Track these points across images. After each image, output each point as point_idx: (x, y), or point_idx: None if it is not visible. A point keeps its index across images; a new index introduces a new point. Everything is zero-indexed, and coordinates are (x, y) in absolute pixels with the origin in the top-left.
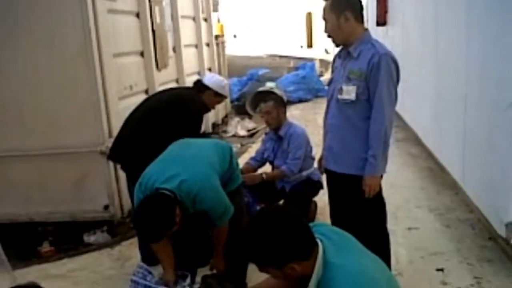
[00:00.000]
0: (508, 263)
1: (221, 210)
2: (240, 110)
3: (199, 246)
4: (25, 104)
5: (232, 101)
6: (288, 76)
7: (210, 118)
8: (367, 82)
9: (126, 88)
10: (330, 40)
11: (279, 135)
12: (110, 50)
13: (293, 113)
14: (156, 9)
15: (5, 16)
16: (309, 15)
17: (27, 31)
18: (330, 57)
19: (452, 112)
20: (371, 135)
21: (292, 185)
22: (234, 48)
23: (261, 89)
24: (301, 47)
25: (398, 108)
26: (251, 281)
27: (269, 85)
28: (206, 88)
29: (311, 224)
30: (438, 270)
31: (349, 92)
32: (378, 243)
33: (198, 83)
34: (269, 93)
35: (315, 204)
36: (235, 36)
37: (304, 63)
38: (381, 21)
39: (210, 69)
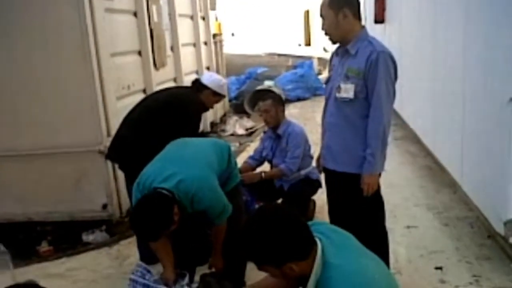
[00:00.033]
0: (507, 261)
1: (219, 210)
2: (238, 108)
3: (198, 245)
4: (23, 104)
5: (230, 100)
6: (287, 75)
7: (208, 117)
8: (365, 80)
9: (124, 87)
10: (327, 37)
11: (278, 133)
12: (108, 49)
13: (292, 112)
14: (154, 8)
15: (0, 15)
16: (307, 13)
17: (24, 30)
18: (328, 55)
19: (451, 110)
20: (369, 133)
21: (291, 184)
22: (232, 47)
23: (259, 87)
24: (299, 45)
25: (396, 106)
26: (250, 279)
27: (268, 83)
28: (204, 87)
29: (309, 223)
30: (437, 268)
31: (348, 90)
32: (377, 241)
33: (196, 83)
34: (268, 92)
35: (314, 202)
36: (233, 35)
37: (302, 61)
38: (379, 19)
39: (208, 68)
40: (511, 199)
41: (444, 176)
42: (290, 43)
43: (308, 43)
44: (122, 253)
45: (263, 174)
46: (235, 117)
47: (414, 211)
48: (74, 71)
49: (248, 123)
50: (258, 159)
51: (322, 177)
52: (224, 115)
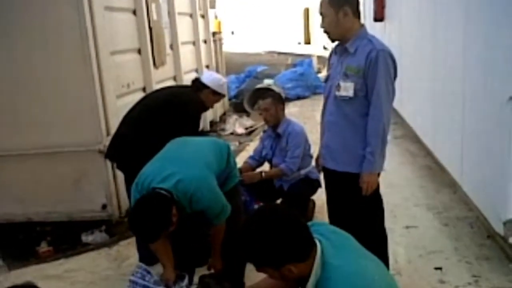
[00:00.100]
0: (506, 261)
1: (218, 210)
2: (238, 107)
3: (197, 246)
4: (22, 104)
5: (230, 99)
6: (286, 73)
7: (208, 116)
8: (365, 79)
9: (123, 86)
10: (326, 35)
11: (278, 132)
12: (107, 48)
13: (291, 111)
14: (153, 6)
15: (0, 15)
16: (306, 11)
17: (23, 30)
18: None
19: (451, 110)
20: (369, 131)
21: (290, 183)
22: (232, 45)
23: (259, 86)
24: (299, 43)
25: (396, 105)
26: (249, 280)
27: (267, 82)
28: (204, 86)
29: (309, 224)
30: (436, 268)
31: (347, 89)
32: (376, 241)
33: (196, 82)
34: (267, 90)
35: (313, 202)
36: (232, 33)
37: (302, 59)
38: (379, 17)
39: (207, 66)
40: (511, 199)
41: (444, 176)
42: (290, 42)
43: (308, 41)
44: (121, 254)
45: (263, 174)
46: (234, 116)
47: (414, 211)
48: (73, 70)
49: (248, 122)
50: (258, 159)
51: (322, 176)
52: (224, 114)
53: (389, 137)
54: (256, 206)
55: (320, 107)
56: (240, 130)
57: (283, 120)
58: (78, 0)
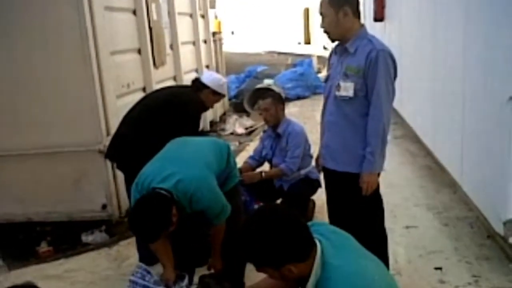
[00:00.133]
0: (506, 261)
1: (218, 210)
2: (238, 107)
3: (197, 246)
4: (22, 103)
5: (230, 99)
6: (286, 73)
7: (208, 116)
8: (365, 79)
9: (123, 86)
10: (326, 35)
11: (278, 132)
12: (107, 48)
13: (291, 111)
14: (153, 6)
15: (0, 15)
16: (306, 11)
17: (23, 29)
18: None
19: (450, 110)
20: (369, 131)
21: (290, 183)
22: (232, 45)
23: (259, 86)
24: (299, 43)
25: (396, 105)
26: (249, 280)
27: (267, 82)
28: (204, 86)
29: (309, 224)
30: (436, 268)
31: (347, 89)
32: (376, 241)
33: (196, 82)
34: (267, 90)
35: (313, 202)
36: (232, 33)
37: (302, 59)
38: (379, 17)
39: (207, 66)
40: (511, 199)
41: (444, 176)
42: (290, 42)
43: (307, 41)
44: (121, 254)
45: (263, 174)
46: (234, 116)
47: (414, 211)
48: (73, 70)
49: (248, 122)
50: (258, 160)
51: (322, 176)
52: (224, 114)
53: (389, 137)
54: (256, 206)
55: (320, 107)
56: (240, 130)
57: (283, 120)
58: (78, 0)
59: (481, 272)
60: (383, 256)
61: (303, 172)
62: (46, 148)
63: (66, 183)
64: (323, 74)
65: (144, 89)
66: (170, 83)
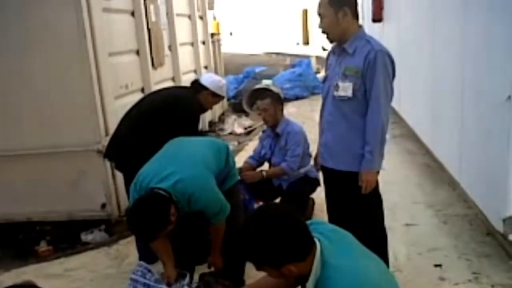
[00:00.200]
0: (506, 258)
1: (216, 209)
2: (236, 108)
3: (197, 244)
4: (21, 104)
5: (228, 99)
6: (285, 74)
7: (206, 116)
8: (364, 79)
9: (122, 87)
10: (324, 36)
11: (277, 132)
12: (106, 49)
13: (290, 111)
14: (151, 7)
15: None
16: (305, 12)
17: (22, 31)
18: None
19: (449, 108)
20: (368, 131)
21: (290, 182)
22: (230, 46)
23: (257, 86)
24: (297, 44)
25: (394, 104)
26: (249, 278)
27: (266, 82)
28: (203, 88)
29: (308, 223)
30: (436, 266)
31: (346, 89)
32: (376, 240)
33: (195, 83)
34: (266, 91)
35: (313, 201)
36: (231, 34)
37: (300, 60)
38: (377, 18)
39: (206, 67)
40: (510, 197)
41: (443, 174)
42: (288, 42)
43: (306, 42)
44: (121, 253)
45: (264, 173)
46: (233, 116)
47: (413, 209)
48: (72, 71)
49: (247, 122)
50: (258, 160)
51: (321, 175)
52: (223, 114)
53: (387, 136)
54: (255, 205)
55: (319, 107)
56: (239, 130)
57: (282, 120)
58: (77, 2)
59: (481, 269)
60: (383, 254)
61: (302, 171)
62: (46, 148)
63: (65, 183)
64: (321, 74)
65: (142, 90)
66: (169, 84)
